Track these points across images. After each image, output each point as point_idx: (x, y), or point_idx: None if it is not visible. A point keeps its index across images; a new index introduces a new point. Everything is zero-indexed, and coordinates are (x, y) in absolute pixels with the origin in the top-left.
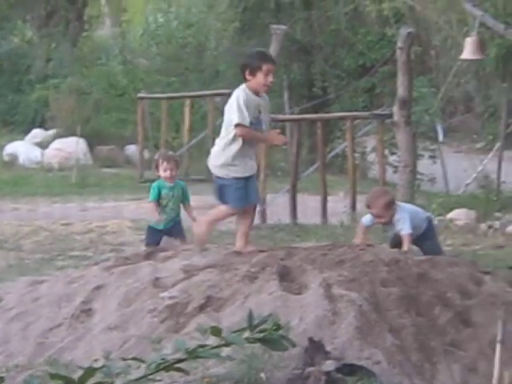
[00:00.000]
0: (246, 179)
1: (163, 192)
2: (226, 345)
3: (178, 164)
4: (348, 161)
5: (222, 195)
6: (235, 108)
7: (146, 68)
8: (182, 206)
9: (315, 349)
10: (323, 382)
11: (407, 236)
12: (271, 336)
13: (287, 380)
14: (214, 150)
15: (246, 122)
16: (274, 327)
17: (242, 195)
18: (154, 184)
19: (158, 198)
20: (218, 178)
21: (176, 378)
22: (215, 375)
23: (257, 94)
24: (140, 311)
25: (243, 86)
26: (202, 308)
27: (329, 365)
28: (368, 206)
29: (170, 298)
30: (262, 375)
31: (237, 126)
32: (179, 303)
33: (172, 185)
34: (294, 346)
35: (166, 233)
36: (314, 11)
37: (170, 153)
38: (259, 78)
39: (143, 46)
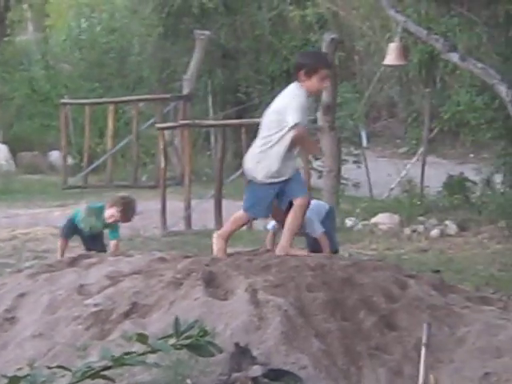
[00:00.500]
0: (284, 182)
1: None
2: (152, 352)
3: (126, 219)
4: None
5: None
6: (294, 107)
7: (69, 73)
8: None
9: (241, 354)
10: None
11: (322, 236)
12: (197, 342)
13: None
14: (254, 153)
15: (304, 123)
16: (201, 333)
17: (269, 204)
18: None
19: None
20: (259, 183)
21: None
22: (141, 382)
23: (308, 95)
24: (65, 318)
25: (301, 86)
26: (127, 315)
27: (255, 370)
28: None
29: (95, 304)
30: (188, 381)
31: (295, 126)
32: (104, 310)
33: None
34: (220, 351)
35: (86, 241)
36: (237, 17)
37: (135, 210)
38: (314, 81)
39: (66, 51)
